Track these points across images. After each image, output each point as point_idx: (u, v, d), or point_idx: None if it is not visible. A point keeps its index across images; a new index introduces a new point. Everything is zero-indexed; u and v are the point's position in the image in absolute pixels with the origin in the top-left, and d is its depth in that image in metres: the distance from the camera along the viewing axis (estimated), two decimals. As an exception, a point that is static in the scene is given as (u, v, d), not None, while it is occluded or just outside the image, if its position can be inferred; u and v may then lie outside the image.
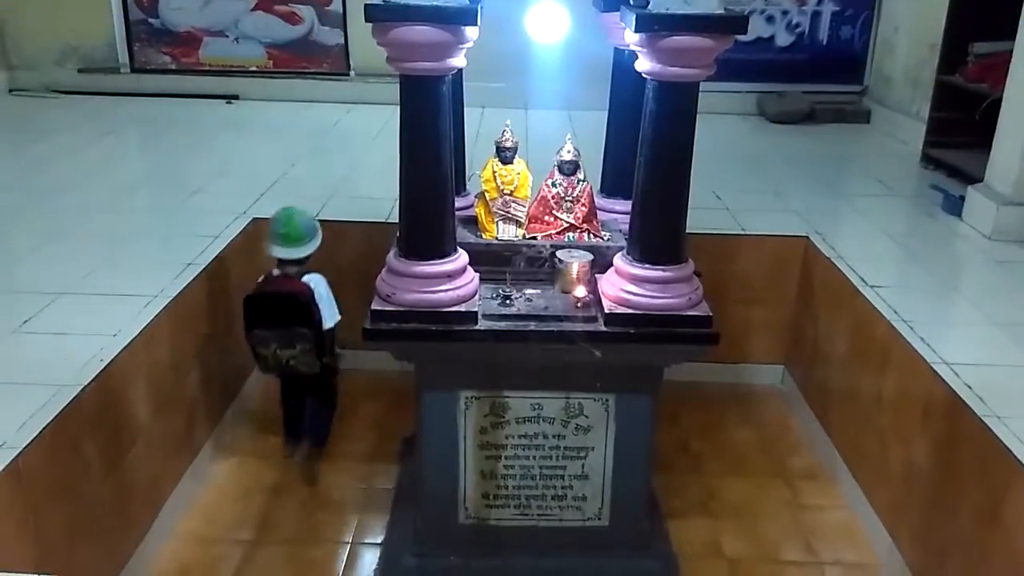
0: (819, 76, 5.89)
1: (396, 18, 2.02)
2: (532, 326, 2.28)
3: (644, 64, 2.12)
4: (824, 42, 5.90)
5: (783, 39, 5.89)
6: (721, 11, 2.02)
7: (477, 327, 2.26)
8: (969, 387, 2.44)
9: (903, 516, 2.70)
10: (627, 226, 2.43)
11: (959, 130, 4.47)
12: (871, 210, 4.06)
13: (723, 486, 3.17)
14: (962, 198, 3.88)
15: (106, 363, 2.44)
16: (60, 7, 5.95)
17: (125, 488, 2.56)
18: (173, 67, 6.10)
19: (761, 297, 3.74)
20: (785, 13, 5.84)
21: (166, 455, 2.87)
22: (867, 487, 2.94)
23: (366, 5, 2.00)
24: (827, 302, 3.42)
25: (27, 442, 2.07)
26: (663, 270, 2.26)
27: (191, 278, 3.05)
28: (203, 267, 3.17)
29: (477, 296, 2.34)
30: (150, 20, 6.02)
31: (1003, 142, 3.70)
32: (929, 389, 2.56)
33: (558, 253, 2.43)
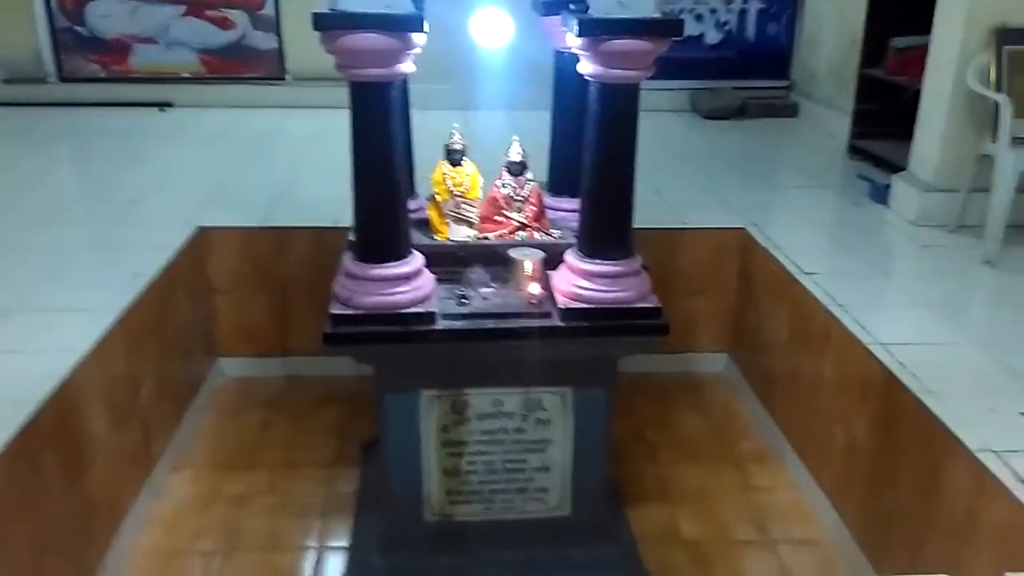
0: (748, 72, 6.08)
1: (345, 26, 2.04)
2: (490, 324, 2.33)
3: (586, 67, 2.19)
4: (752, 39, 6.10)
5: (712, 37, 6.07)
6: (658, 15, 2.10)
7: (436, 327, 2.31)
8: (903, 365, 2.58)
9: (847, 492, 2.84)
10: (576, 224, 2.50)
11: (882, 121, 4.68)
12: (803, 201, 4.24)
13: (677, 473, 3.28)
14: (887, 186, 4.07)
15: (61, 379, 2.41)
16: (-19, 17, 5.78)
17: (86, 503, 2.53)
18: (103, 75, 5.96)
19: (704, 288, 3.86)
20: (713, 11, 6.02)
21: (124, 469, 2.84)
22: (812, 466, 3.09)
23: (314, 13, 2.03)
24: (766, 290, 3.56)
25: (-13, 461, 2.05)
26: (613, 265, 2.34)
27: (140, 290, 3.02)
28: (151, 278, 3.14)
29: (434, 297, 2.39)
30: (76, 28, 5.87)
31: (923, 132, 3.90)
32: (866, 369, 2.70)
33: (510, 251, 2.49)
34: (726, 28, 6.07)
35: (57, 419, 2.37)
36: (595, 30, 2.11)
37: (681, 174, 4.59)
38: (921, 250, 3.58)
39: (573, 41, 2.20)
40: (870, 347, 2.71)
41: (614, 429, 2.68)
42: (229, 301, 3.80)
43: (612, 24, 2.09)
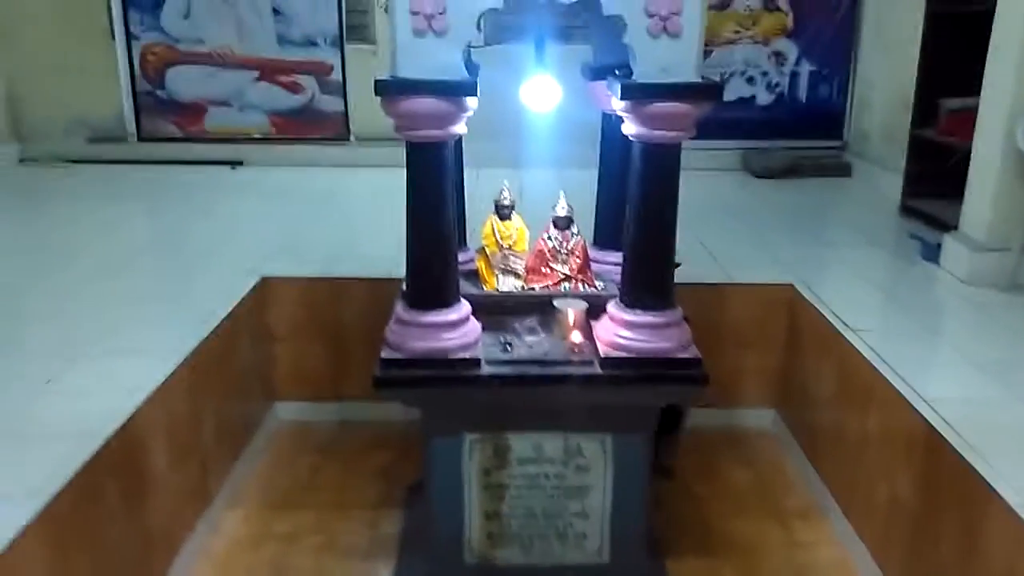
0: (800, 132, 6.15)
1: (404, 92, 2.21)
2: (533, 370, 2.43)
3: (630, 128, 2.31)
4: (803, 100, 6.18)
5: (764, 98, 6.18)
6: (698, 80, 2.22)
7: (481, 372, 2.41)
8: (946, 422, 2.57)
9: (890, 549, 2.81)
10: (619, 276, 2.59)
11: (934, 181, 4.68)
12: (853, 258, 4.25)
13: (721, 526, 3.27)
14: (939, 245, 4.06)
15: (127, 415, 2.57)
16: (71, 82, 6.21)
17: (144, 535, 2.66)
18: (179, 135, 6.34)
19: (751, 343, 3.89)
20: (765, 74, 6.14)
21: (182, 504, 2.98)
22: (856, 523, 3.05)
23: (376, 81, 2.20)
24: (813, 346, 3.57)
25: (58, 488, 2.19)
26: (654, 315, 2.41)
27: (205, 335, 3.19)
28: (216, 324, 3.31)
29: (480, 343, 2.49)
30: (157, 92, 6.28)
31: (974, 191, 3.90)
32: (909, 425, 2.69)
33: (555, 302, 2.58)
34: (778, 90, 6.16)
35: (122, 453, 2.51)
36: (637, 94, 2.24)
37: (731, 231, 4.65)
38: (971, 309, 3.56)
39: (617, 104, 2.32)
40: (914, 404, 2.70)
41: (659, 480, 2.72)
42: (288, 348, 3.96)
43: (653, 88, 2.21)
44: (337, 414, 4.05)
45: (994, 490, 2.24)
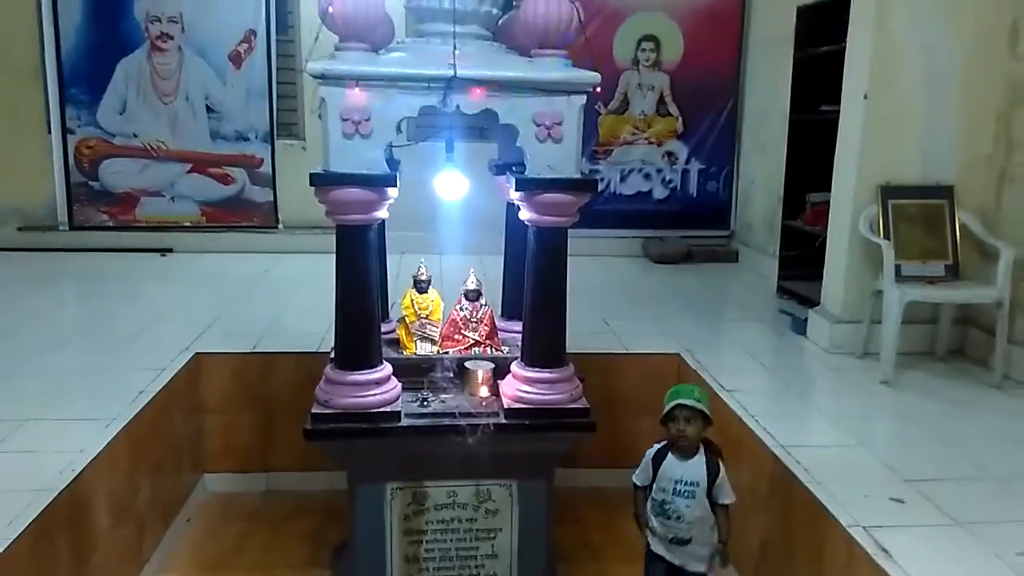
0: (692, 223, 6.83)
1: (335, 183, 2.63)
2: (446, 421, 2.80)
3: (525, 214, 2.78)
4: (694, 194, 6.89)
5: (659, 192, 6.86)
6: (578, 175, 2.71)
7: (400, 424, 2.77)
8: (798, 462, 3.04)
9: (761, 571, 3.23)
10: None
11: (803, 264, 5.31)
12: (734, 332, 4.80)
13: (618, 571, 3.62)
14: (805, 320, 4.64)
15: (76, 473, 2.81)
16: (6, 173, 6.45)
17: (87, 588, 2.86)
18: (110, 224, 6.58)
19: (645, 408, 4.29)
20: (659, 171, 6.85)
21: (119, 563, 3.17)
22: (735, 557, 3.45)
23: (311, 174, 2.62)
24: (697, 407, 4.03)
25: (15, 536, 2.42)
26: (549, 372, 2.83)
27: (144, 404, 3.45)
28: (153, 395, 3.57)
29: (400, 400, 2.85)
30: (90, 183, 6.55)
31: (830, 272, 4.52)
32: (771, 469, 3.15)
33: (466, 364, 2.98)
34: (671, 185, 6.86)
35: (70, 508, 2.75)
36: (529, 186, 2.71)
37: (629, 309, 5.15)
38: (828, 372, 4.11)
39: (514, 195, 2.79)
40: (774, 450, 3.17)
41: (561, 534, 3.05)
42: (218, 420, 4.20)
43: (541, 182, 2.69)
44: (264, 484, 4.27)
45: (832, 516, 2.69)
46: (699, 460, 2.73)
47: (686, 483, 2.70)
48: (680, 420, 2.67)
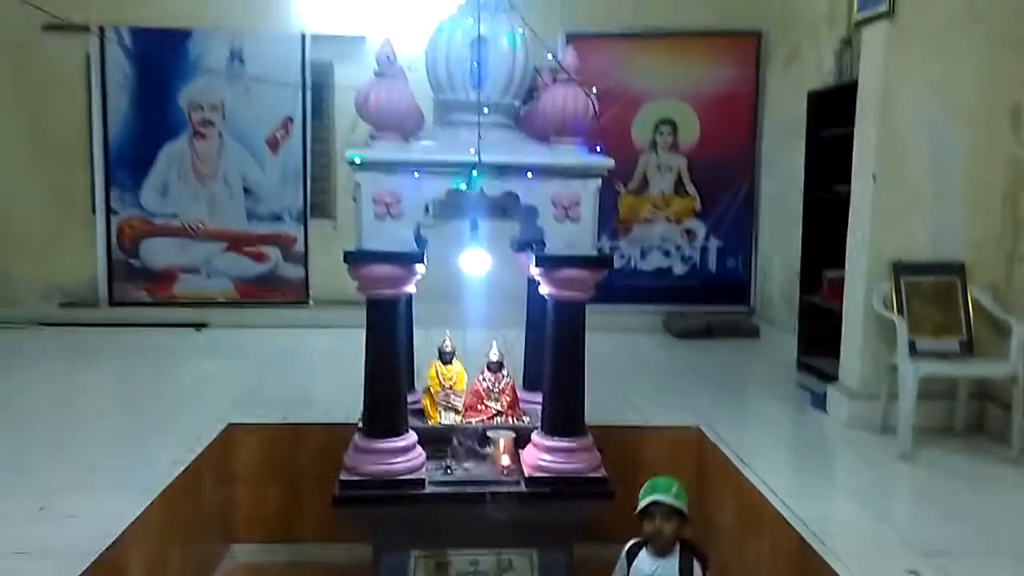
0: (712, 298, 6.96)
1: (367, 260, 2.82)
2: (469, 489, 2.90)
3: (544, 289, 2.94)
4: (713, 271, 7.04)
5: (679, 269, 7.02)
6: (594, 253, 2.88)
7: (425, 491, 2.87)
8: (815, 535, 3.08)
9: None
10: (542, 411, 3.13)
11: (822, 340, 5.37)
12: (754, 407, 4.87)
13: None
14: (824, 395, 4.70)
15: (113, 537, 2.93)
16: (51, 253, 6.77)
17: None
18: (148, 300, 6.84)
19: (666, 480, 4.37)
20: (678, 248, 7.01)
21: (150, 629, 3.26)
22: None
23: (345, 252, 2.81)
24: (716, 481, 4.09)
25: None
26: (568, 441, 2.94)
27: (178, 472, 3.58)
28: (187, 464, 3.70)
29: (424, 467, 2.97)
30: (131, 260, 6.84)
31: (846, 347, 4.60)
32: (789, 540, 3.19)
33: (488, 433, 3.10)
34: (691, 262, 7.02)
35: (107, 570, 2.86)
36: (548, 263, 2.88)
37: (649, 383, 5.24)
38: (846, 446, 4.15)
39: (534, 271, 2.96)
40: (791, 522, 3.22)
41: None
42: (248, 491, 4.31)
43: (559, 259, 2.86)
44: (288, 555, 4.34)
45: (843, 580, 2.74)
46: (672, 560, 2.65)
47: None
48: (657, 517, 2.61)
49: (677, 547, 2.67)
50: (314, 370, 5.45)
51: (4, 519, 3.05)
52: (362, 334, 3.03)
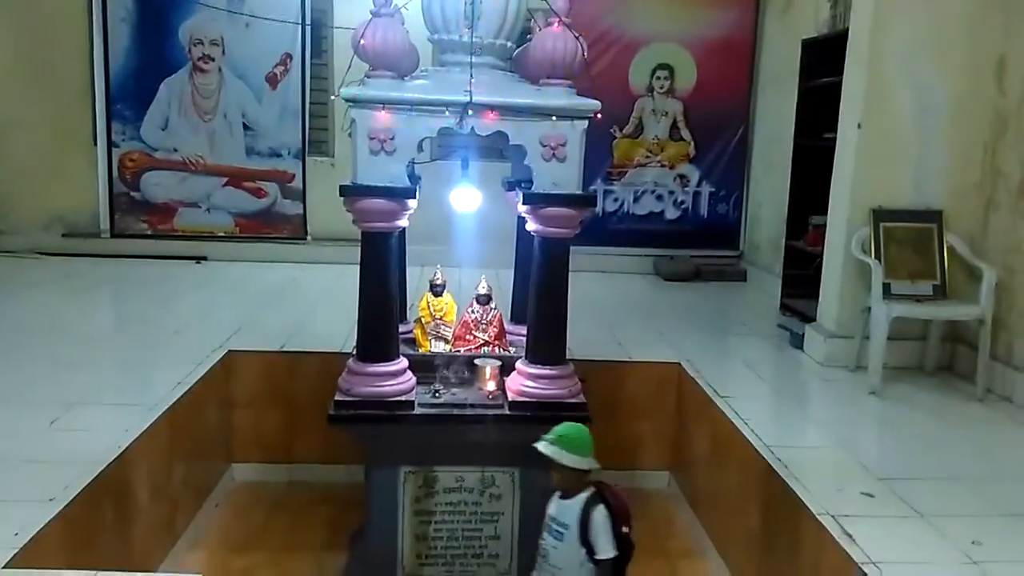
0: (702, 243, 7.10)
1: (360, 194, 2.95)
2: (455, 411, 3.09)
3: (531, 226, 3.08)
4: (705, 216, 7.17)
5: (671, 213, 7.14)
6: (579, 192, 3.01)
7: (414, 412, 3.06)
8: (780, 460, 3.29)
9: (747, 568, 3.46)
10: (526, 342, 3.30)
11: (804, 283, 5.53)
12: (734, 345, 5.06)
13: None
14: (802, 335, 4.88)
15: (122, 449, 3.13)
16: (53, 184, 6.88)
17: (128, 556, 3.17)
18: (149, 233, 6.97)
19: (648, 414, 4.58)
20: (671, 193, 7.13)
21: (154, 538, 3.48)
22: (724, 554, 3.70)
23: (341, 185, 2.94)
24: (693, 413, 4.29)
25: (70, 499, 2.74)
26: (550, 369, 3.12)
27: (181, 394, 3.77)
28: (190, 386, 3.89)
29: (415, 391, 3.15)
30: (132, 193, 6.95)
31: (825, 290, 4.77)
32: (756, 466, 3.40)
33: (476, 361, 3.27)
34: (683, 206, 7.14)
35: (116, 480, 3.07)
36: (535, 200, 3.02)
37: (636, 323, 5.42)
38: (821, 383, 4.35)
39: (522, 208, 3.10)
40: (758, 448, 3.42)
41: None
42: (247, 414, 4.52)
43: (545, 196, 2.99)
44: (287, 474, 4.57)
45: (805, 505, 2.94)
46: (575, 504, 2.57)
47: (557, 523, 2.62)
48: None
49: (587, 493, 2.62)
50: (312, 304, 5.61)
51: (17, 432, 3.24)
52: (358, 270, 3.18)
